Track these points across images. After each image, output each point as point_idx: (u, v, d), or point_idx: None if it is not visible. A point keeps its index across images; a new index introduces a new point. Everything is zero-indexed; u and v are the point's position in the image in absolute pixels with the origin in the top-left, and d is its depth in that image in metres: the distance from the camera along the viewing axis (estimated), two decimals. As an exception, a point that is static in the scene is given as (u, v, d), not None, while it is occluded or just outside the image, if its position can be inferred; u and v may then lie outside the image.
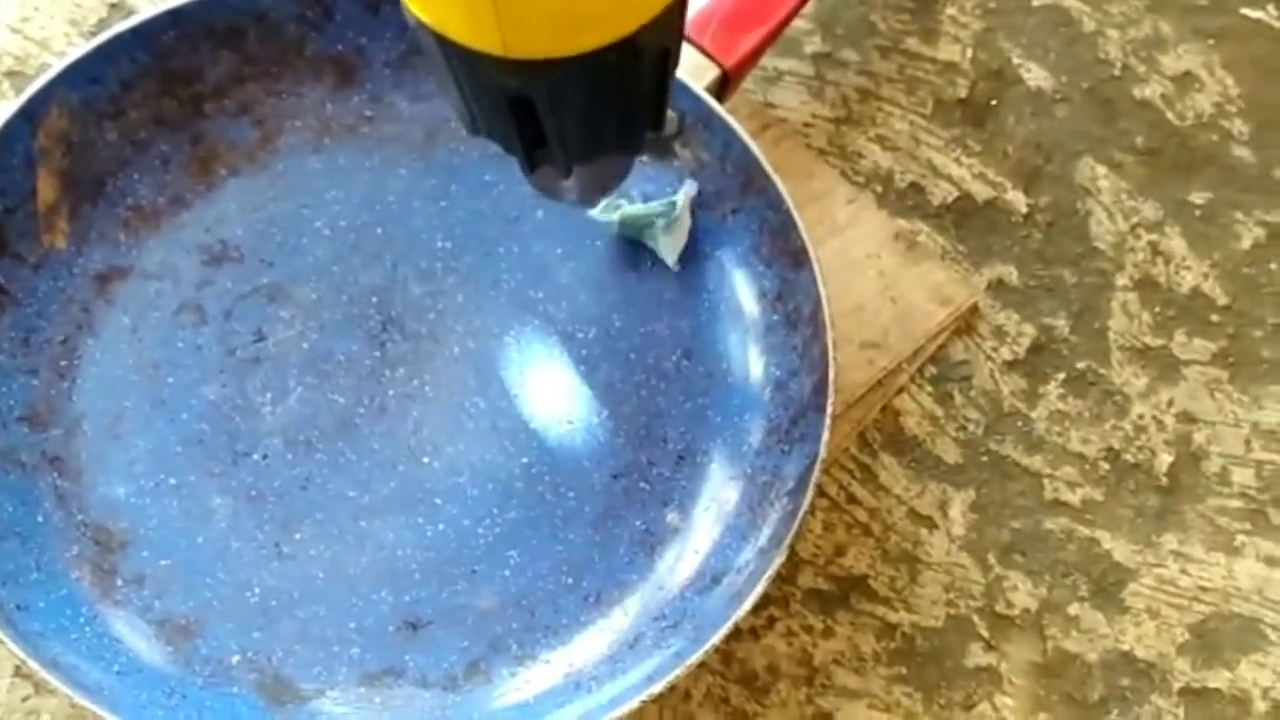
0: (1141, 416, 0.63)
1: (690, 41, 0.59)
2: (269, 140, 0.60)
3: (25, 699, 0.54)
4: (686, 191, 0.59)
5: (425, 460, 0.57)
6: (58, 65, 0.55)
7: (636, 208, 0.59)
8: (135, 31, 0.56)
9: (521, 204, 0.61)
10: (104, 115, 0.57)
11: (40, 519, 0.54)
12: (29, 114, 0.55)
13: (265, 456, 0.56)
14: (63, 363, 0.56)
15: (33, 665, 0.48)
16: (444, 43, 0.35)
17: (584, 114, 0.38)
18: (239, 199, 0.59)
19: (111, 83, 0.57)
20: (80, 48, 0.56)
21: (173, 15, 0.57)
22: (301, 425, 0.57)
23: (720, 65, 0.59)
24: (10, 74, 0.63)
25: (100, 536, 0.54)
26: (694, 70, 0.58)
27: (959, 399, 0.62)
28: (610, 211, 0.59)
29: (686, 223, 0.59)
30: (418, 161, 0.61)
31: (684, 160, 0.60)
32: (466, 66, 0.36)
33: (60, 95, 0.55)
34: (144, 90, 0.58)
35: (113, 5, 0.64)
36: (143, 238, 0.58)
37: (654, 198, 0.60)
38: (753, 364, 0.58)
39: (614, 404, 0.58)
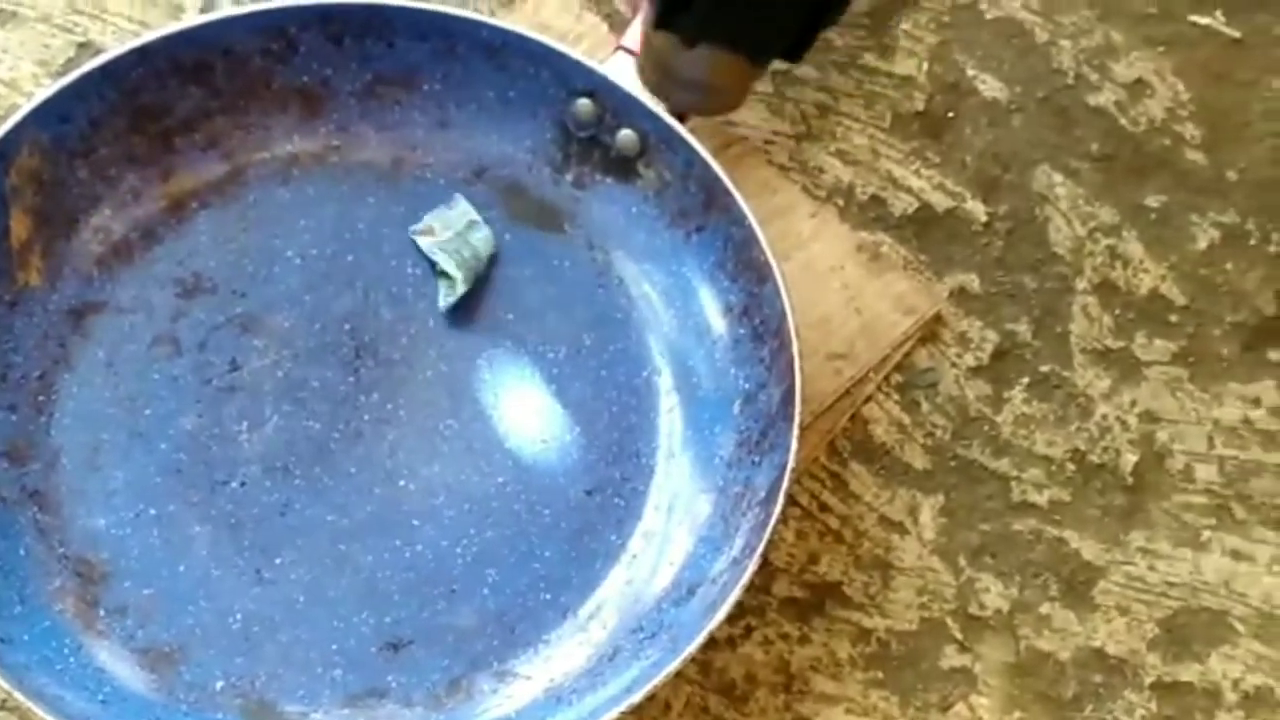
0: (1105, 417, 0.64)
1: (650, 64, 0.60)
2: (238, 173, 0.61)
3: (12, 732, 0.55)
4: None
5: (401, 483, 0.58)
6: (27, 105, 0.56)
7: (454, 258, 0.61)
8: (103, 70, 0.57)
9: (488, 227, 0.62)
10: (74, 153, 0.58)
11: (22, 553, 0.55)
12: (1, 154, 0.56)
13: (243, 484, 0.57)
14: (40, 398, 0.57)
15: (19, 697, 0.49)
16: None
17: None
18: (210, 231, 0.60)
19: (81, 121, 0.58)
20: (49, 87, 0.57)
21: (140, 53, 0.58)
22: (278, 452, 0.58)
23: (680, 86, 0.60)
24: (-20, 115, 0.63)
25: (82, 568, 0.55)
26: (655, 92, 0.60)
27: (925, 406, 0.64)
28: (453, 289, 0.61)
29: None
30: (386, 189, 0.62)
31: (647, 180, 0.61)
32: None
33: (31, 135, 0.56)
34: (113, 127, 0.59)
35: (81, 45, 0.65)
36: (116, 272, 0.59)
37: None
38: (721, 378, 0.60)
39: (586, 421, 0.60)
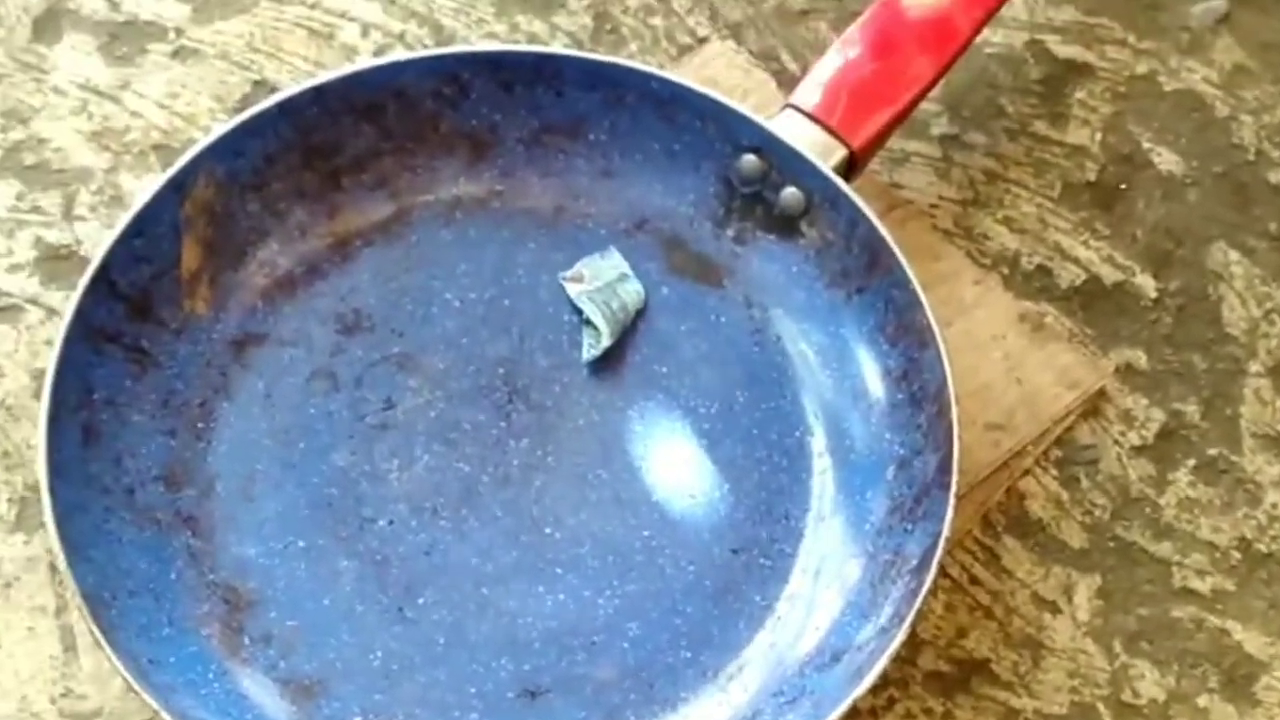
0: (1275, 505, 0.63)
1: (818, 121, 0.61)
2: (403, 213, 0.63)
3: (152, 754, 0.57)
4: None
5: (547, 530, 0.59)
6: (206, 139, 0.59)
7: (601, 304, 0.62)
8: (280, 107, 0.60)
9: (646, 279, 0.63)
10: (247, 187, 0.61)
11: (173, 576, 0.56)
12: (177, 185, 0.58)
13: (391, 522, 0.58)
14: (199, 425, 0.59)
15: (165, 717, 0.50)
16: None
17: None
18: (373, 270, 0.62)
19: (256, 156, 0.60)
20: (227, 122, 0.59)
21: (316, 92, 0.60)
22: (427, 492, 0.59)
23: (848, 145, 0.61)
24: (157, 147, 0.67)
25: (230, 595, 0.57)
26: (821, 150, 0.60)
27: (1085, 483, 0.63)
28: (597, 340, 0.61)
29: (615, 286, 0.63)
30: (546, 236, 0.64)
31: (810, 238, 0.62)
32: None
33: (207, 167, 0.59)
34: (286, 163, 0.61)
35: (256, 82, 0.68)
36: (279, 305, 0.61)
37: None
38: (876, 442, 0.60)
39: (736, 479, 0.60)
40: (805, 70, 0.64)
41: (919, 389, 0.58)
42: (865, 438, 0.60)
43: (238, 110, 0.65)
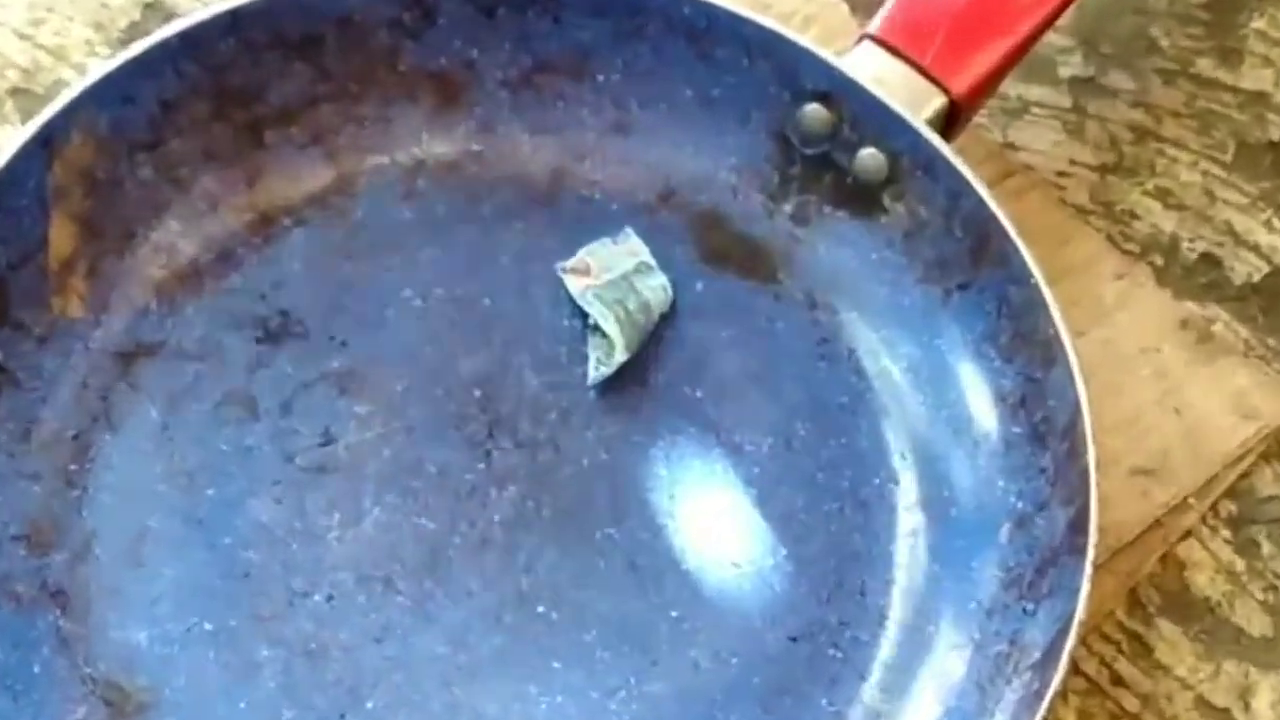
0: None
1: (905, 59, 0.60)
2: (346, 181, 0.63)
3: None
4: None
5: (540, 609, 0.58)
6: (84, 80, 0.58)
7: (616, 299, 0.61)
8: (184, 37, 0.59)
9: (674, 271, 0.63)
10: (138, 145, 0.60)
11: (37, 669, 0.55)
12: (44, 141, 0.57)
13: (330, 598, 0.58)
14: (72, 466, 0.58)
15: None
16: None
17: None
18: (305, 257, 0.62)
19: (149, 103, 0.59)
20: (111, 59, 0.58)
21: (231, 18, 0.59)
22: (379, 558, 0.58)
23: (946, 91, 0.60)
24: (15, 91, 0.66)
25: (112, 695, 0.55)
26: (911, 97, 0.60)
27: (1268, 548, 0.63)
28: (608, 355, 0.61)
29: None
30: (539, 213, 0.63)
31: (895, 216, 0.62)
32: None
33: (85, 118, 0.58)
34: (190, 114, 0.60)
35: (147, 5, 0.68)
36: (180, 305, 0.61)
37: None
38: (985, 492, 0.59)
39: (794, 541, 0.60)
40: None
41: (1043, 420, 0.58)
42: (971, 487, 0.60)
43: (124, 43, 0.65)
